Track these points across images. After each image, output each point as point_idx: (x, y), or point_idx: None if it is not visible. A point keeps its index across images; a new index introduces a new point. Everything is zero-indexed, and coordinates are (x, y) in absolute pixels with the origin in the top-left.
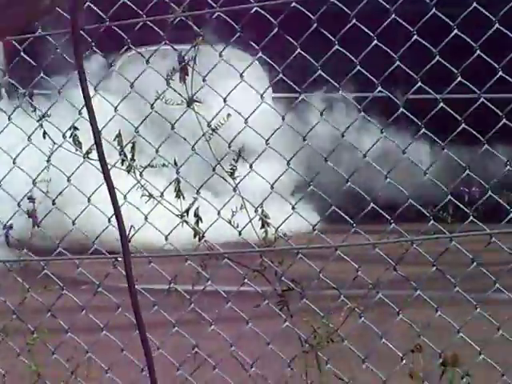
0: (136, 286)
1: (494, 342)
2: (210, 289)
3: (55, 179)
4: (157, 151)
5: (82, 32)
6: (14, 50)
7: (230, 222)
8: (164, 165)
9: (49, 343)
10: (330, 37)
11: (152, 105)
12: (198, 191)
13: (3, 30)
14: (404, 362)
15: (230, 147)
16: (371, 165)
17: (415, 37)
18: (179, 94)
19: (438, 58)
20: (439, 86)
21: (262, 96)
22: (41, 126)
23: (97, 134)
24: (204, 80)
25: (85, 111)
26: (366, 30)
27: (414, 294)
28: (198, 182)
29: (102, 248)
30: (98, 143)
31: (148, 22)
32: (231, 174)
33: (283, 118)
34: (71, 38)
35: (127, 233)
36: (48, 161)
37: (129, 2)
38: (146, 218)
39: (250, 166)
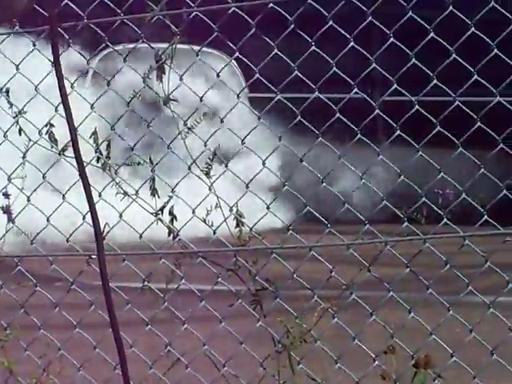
0: (110, 284)
1: (466, 344)
2: (184, 287)
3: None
4: (132, 149)
5: (59, 29)
6: None
7: (204, 221)
8: (139, 163)
9: (22, 340)
10: (307, 38)
11: (128, 103)
12: (172, 190)
13: None
14: (377, 363)
15: (205, 146)
16: (346, 166)
17: (391, 39)
18: (156, 93)
19: (413, 60)
20: (415, 88)
21: (238, 96)
22: (16, 122)
23: (73, 131)
24: (181, 79)
25: (61, 108)
26: (343, 31)
27: (387, 296)
28: (175, 181)
29: (76, 246)
30: (73, 140)
31: (126, 21)
32: (206, 173)
33: (259, 118)
34: (49, 35)
35: (102, 230)
36: (24, 157)
37: (107, 1)
38: (120, 216)
39: (226, 166)
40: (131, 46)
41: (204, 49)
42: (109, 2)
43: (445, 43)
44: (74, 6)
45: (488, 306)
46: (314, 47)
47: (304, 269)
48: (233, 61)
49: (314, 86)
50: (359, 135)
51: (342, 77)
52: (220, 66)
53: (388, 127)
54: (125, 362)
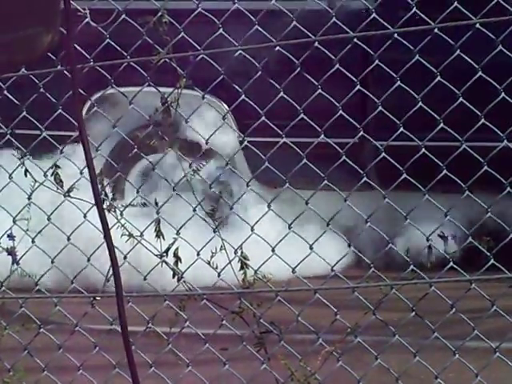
0: (114, 327)
1: None
2: (188, 330)
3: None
4: (137, 191)
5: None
6: None
7: (209, 263)
8: (144, 204)
9: (25, 382)
10: (314, 81)
11: (135, 144)
12: (177, 232)
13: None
14: None
15: (210, 188)
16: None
17: (398, 83)
18: (161, 135)
19: (420, 104)
20: (420, 131)
21: (243, 138)
22: (22, 164)
23: (93, 173)
24: (186, 122)
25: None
26: (348, 74)
27: (392, 340)
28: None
29: (80, 288)
30: (93, 181)
31: (132, 63)
32: (211, 215)
33: (266, 161)
34: (70, 73)
35: (106, 273)
36: (29, 199)
37: (113, 43)
38: (124, 258)
39: (231, 208)
40: (129, 89)
41: (197, 93)
42: (115, 45)
43: (453, 88)
44: (79, 47)
45: (494, 350)
46: (320, 90)
47: (309, 313)
48: (225, 106)
49: (319, 130)
50: (365, 178)
51: (340, 120)
52: (211, 110)
53: (393, 171)
54: None
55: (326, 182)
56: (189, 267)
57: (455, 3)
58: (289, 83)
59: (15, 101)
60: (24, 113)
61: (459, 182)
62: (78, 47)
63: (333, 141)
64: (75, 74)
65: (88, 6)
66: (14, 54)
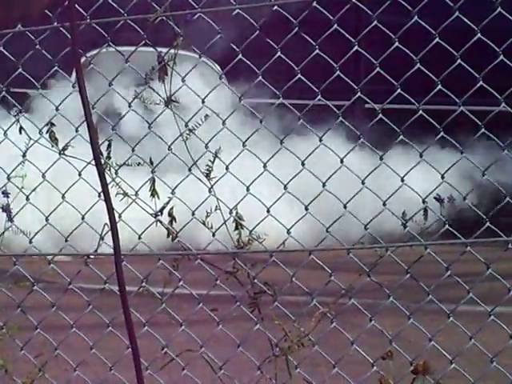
0: (108, 286)
1: (465, 351)
2: (181, 291)
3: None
4: (133, 150)
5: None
6: None
7: (204, 223)
8: (139, 164)
9: (18, 339)
10: (311, 41)
11: (130, 103)
12: (172, 191)
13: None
14: (375, 368)
15: (206, 148)
16: (349, 171)
17: (396, 44)
18: (157, 94)
19: (418, 65)
20: (418, 95)
21: (240, 98)
22: (17, 121)
23: (93, 135)
24: (183, 80)
25: (61, 107)
26: (347, 35)
27: (386, 302)
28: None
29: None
30: (94, 144)
31: (129, 21)
32: (207, 175)
33: (261, 121)
34: (69, 30)
35: (101, 231)
36: (24, 156)
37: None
38: (119, 217)
39: (227, 168)
40: (125, 48)
41: (190, 54)
42: (112, 3)
43: (452, 50)
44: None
45: (489, 314)
46: (317, 51)
47: (303, 274)
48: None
49: (317, 90)
50: (362, 140)
51: (339, 82)
52: (206, 71)
53: (391, 133)
54: (139, 363)
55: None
56: (184, 227)
57: None
58: (284, 44)
59: (11, 57)
60: (20, 69)
61: (455, 143)
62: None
63: (329, 103)
64: (74, 30)
65: None
66: (12, 9)
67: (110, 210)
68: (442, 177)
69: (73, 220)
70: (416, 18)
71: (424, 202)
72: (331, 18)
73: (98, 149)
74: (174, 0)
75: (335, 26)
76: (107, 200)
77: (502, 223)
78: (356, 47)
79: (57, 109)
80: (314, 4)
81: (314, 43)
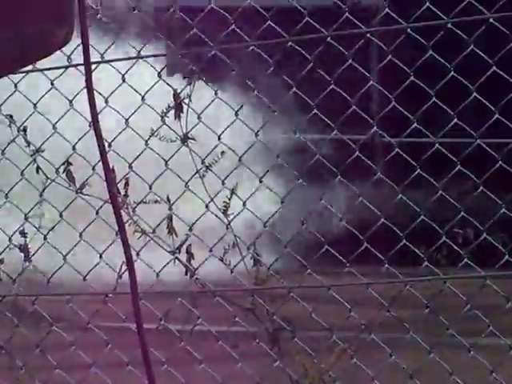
0: (126, 324)
1: None
2: (200, 328)
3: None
4: (150, 187)
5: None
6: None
7: (221, 260)
8: (156, 201)
9: (37, 379)
10: (327, 76)
11: (146, 141)
12: (190, 228)
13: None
14: None
15: (223, 184)
16: (366, 204)
17: (411, 78)
18: (173, 131)
19: (434, 99)
20: (434, 128)
21: (256, 134)
22: (34, 160)
23: (108, 170)
24: (199, 117)
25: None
26: (363, 70)
27: (406, 337)
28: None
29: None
30: (109, 182)
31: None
32: (224, 212)
33: (278, 156)
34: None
35: (119, 270)
36: (41, 195)
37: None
38: (137, 254)
39: (244, 204)
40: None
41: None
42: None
43: (467, 83)
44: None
45: (510, 346)
46: (332, 85)
47: (322, 309)
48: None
49: (332, 125)
50: (379, 174)
51: (355, 117)
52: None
53: (408, 167)
54: None
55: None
56: (201, 264)
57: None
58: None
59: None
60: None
61: (473, 177)
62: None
63: (347, 137)
64: (90, 69)
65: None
66: (27, 49)
67: (127, 248)
68: (460, 211)
69: (91, 258)
70: (430, 51)
71: (443, 235)
72: (345, 53)
73: (114, 186)
74: (190, 36)
75: (350, 61)
76: (123, 239)
77: None
78: (371, 82)
79: (73, 148)
80: (329, 39)
81: (329, 78)
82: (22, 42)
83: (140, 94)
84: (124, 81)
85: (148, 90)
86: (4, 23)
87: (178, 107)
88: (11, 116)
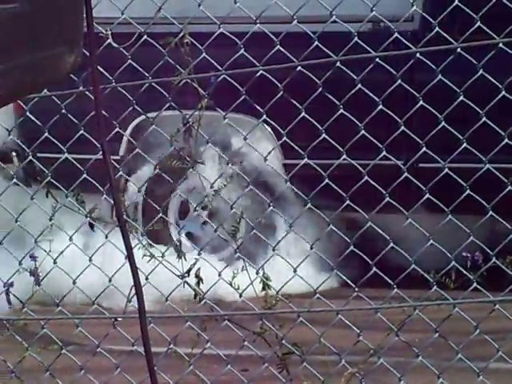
0: (136, 348)
1: None
2: (209, 351)
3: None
4: (159, 212)
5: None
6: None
7: (230, 284)
8: (165, 225)
9: None
10: (335, 101)
11: (156, 166)
12: (199, 252)
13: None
14: None
15: (232, 208)
16: (374, 229)
17: (421, 102)
18: (182, 155)
19: (443, 123)
20: (442, 153)
21: (265, 159)
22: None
23: (116, 195)
24: (207, 142)
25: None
26: (371, 94)
27: (415, 361)
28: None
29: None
30: (118, 206)
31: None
32: (233, 236)
33: (286, 182)
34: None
35: (129, 294)
36: (50, 219)
37: (135, 64)
38: (146, 278)
39: (252, 229)
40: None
41: (232, 114)
42: (137, 66)
43: (477, 108)
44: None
45: None
46: (342, 110)
47: (331, 333)
48: (265, 126)
49: (342, 150)
50: (388, 198)
51: (368, 141)
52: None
53: (417, 191)
54: None
55: (348, 202)
56: (210, 288)
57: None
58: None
59: (38, 122)
60: (46, 134)
61: (483, 202)
62: (101, 69)
63: (358, 162)
64: (98, 95)
65: (110, 28)
66: (38, 74)
67: (135, 271)
68: (470, 235)
69: (102, 282)
70: (440, 76)
71: (452, 259)
72: (355, 77)
73: (122, 210)
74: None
75: (359, 85)
76: (131, 262)
77: None
78: (380, 106)
79: (84, 172)
80: (338, 64)
81: (338, 103)
82: (33, 67)
83: (148, 118)
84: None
85: (157, 115)
86: (19, 49)
87: (186, 131)
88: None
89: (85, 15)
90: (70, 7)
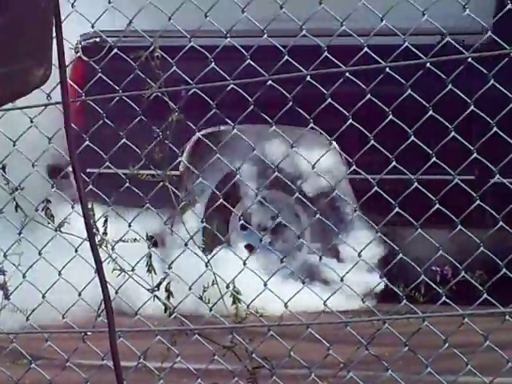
0: (105, 362)
1: None
2: (179, 365)
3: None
4: (129, 225)
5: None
6: None
7: (201, 298)
8: (135, 239)
9: None
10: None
11: (127, 175)
12: (169, 266)
13: None
14: None
15: (202, 222)
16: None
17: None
18: (155, 171)
19: (413, 138)
20: (411, 166)
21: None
22: (13, 199)
23: (85, 208)
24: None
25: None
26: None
27: (385, 374)
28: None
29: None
30: (87, 219)
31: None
32: (203, 250)
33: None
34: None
35: (98, 308)
36: (19, 233)
37: (106, 78)
38: (116, 292)
39: (228, 244)
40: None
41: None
42: (108, 81)
43: (445, 122)
44: (73, 84)
45: None
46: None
47: (301, 347)
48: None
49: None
50: (357, 211)
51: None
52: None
53: (386, 202)
54: None
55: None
56: (180, 302)
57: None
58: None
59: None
60: (16, 147)
61: (452, 216)
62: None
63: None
64: (68, 108)
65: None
66: (6, 88)
67: (104, 286)
68: (439, 249)
69: (72, 296)
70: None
71: (422, 273)
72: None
73: (90, 223)
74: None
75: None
76: (100, 276)
77: (500, 292)
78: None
79: (52, 186)
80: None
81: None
82: (1, 81)
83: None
84: (104, 120)
85: (128, 127)
86: None
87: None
88: None
89: (54, 29)
90: (39, 21)
